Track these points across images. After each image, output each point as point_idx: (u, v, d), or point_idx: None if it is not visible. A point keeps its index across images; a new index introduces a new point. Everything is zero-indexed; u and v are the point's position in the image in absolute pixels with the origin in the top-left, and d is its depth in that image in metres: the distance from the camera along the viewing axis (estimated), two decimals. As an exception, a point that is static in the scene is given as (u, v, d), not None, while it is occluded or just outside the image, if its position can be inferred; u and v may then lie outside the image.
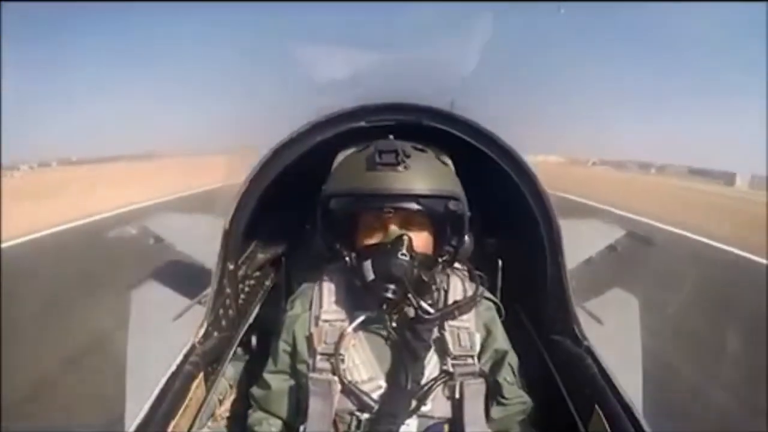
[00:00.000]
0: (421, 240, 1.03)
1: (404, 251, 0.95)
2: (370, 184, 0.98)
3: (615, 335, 1.70)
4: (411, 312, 1.00)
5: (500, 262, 1.41)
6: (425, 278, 1.01)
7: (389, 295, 0.94)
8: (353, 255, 1.03)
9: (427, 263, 1.03)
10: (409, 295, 0.96)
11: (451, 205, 1.01)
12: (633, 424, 0.91)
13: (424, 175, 0.99)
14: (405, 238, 0.97)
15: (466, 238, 1.07)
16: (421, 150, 1.05)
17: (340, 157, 1.18)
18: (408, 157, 0.98)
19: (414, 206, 0.98)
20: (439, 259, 1.06)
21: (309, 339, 1.06)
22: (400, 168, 0.97)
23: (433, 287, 1.07)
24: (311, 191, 1.12)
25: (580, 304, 1.33)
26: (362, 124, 1.25)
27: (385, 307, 0.98)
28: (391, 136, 1.05)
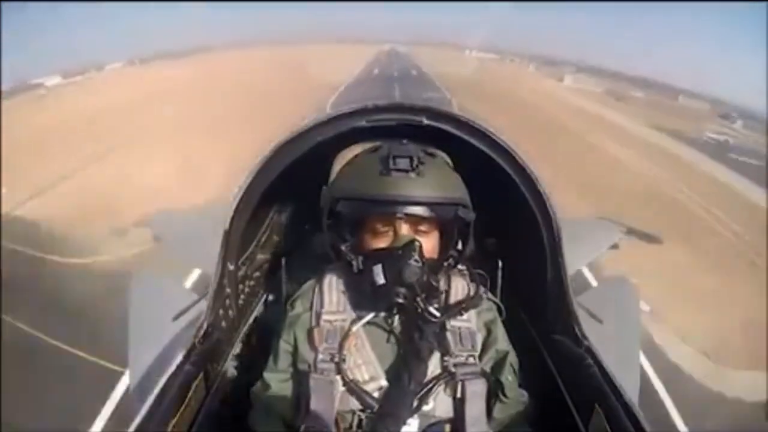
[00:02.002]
0: (428, 244, 1.03)
1: (416, 257, 0.96)
2: (383, 189, 0.97)
3: (614, 320, 1.70)
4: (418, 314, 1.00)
5: (500, 262, 1.41)
6: (433, 283, 1.01)
7: (400, 299, 0.95)
8: (360, 258, 1.03)
9: (435, 267, 1.04)
10: (418, 299, 0.97)
11: (460, 212, 1.02)
12: (633, 424, 0.91)
13: (437, 182, 1.00)
14: (416, 243, 0.98)
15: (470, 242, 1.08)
16: (432, 155, 1.06)
17: (344, 156, 1.17)
18: (422, 163, 0.99)
19: (426, 212, 0.99)
20: (444, 263, 1.07)
21: (310, 339, 1.06)
22: (413, 174, 0.97)
23: (439, 290, 1.07)
24: (311, 191, 1.11)
25: (580, 303, 1.33)
26: (363, 123, 1.25)
27: (394, 310, 0.99)
28: (405, 141, 1.06)
